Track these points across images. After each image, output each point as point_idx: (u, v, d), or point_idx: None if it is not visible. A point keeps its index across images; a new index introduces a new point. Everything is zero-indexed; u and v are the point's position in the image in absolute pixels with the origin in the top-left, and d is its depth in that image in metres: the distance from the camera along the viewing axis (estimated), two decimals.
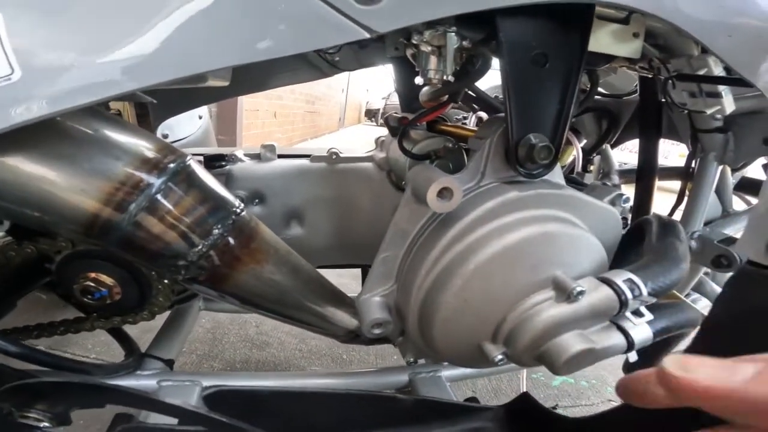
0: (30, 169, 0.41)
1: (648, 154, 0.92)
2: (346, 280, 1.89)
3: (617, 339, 0.45)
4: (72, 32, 0.36)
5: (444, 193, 0.44)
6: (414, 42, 0.52)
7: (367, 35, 0.40)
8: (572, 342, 0.44)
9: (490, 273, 0.45)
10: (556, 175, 0.52)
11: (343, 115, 11.40)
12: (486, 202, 0.45)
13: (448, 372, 0.88)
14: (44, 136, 0.42)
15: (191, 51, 0.38)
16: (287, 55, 0.40)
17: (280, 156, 0.83)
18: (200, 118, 1.22)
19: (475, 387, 1.38)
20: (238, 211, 0.51)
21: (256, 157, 0.82)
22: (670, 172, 1.05)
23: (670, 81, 0.63)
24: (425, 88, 0.69)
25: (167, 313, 0.97)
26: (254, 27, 0.38)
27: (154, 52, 0.37)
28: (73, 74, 0.36)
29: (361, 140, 8.48)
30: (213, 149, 1.04)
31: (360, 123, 14.54)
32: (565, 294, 0.44)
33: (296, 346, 1.51)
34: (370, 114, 13.79)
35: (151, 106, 0.91)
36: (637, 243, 0.55)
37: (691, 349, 0.47)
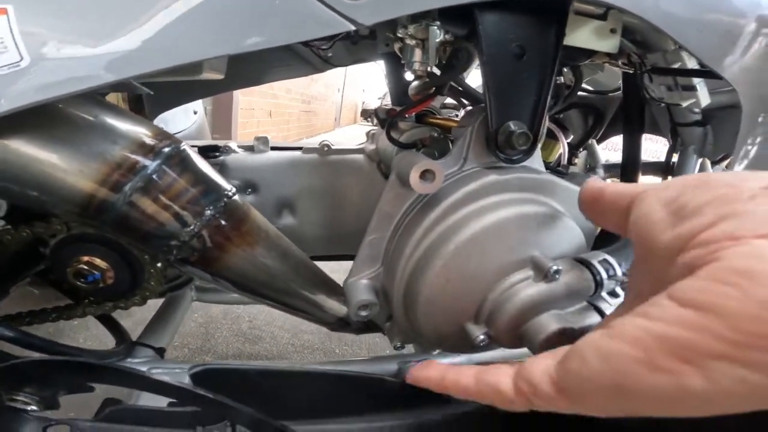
0: (31, 151, 0.43)
1: (631, 149, 0.94)
2: (340, 275, 1.91)
3: (594, 319, 0.47)
4: (75, 20, 0.39)
5: (426, 175, 0.45)
6: (399, 35, 0.55)
7: (352, 27, 0.43)
8: (550, 321, 0.45)
9: (470, 253, 0.46)
10: (536, 161, 0.54)
11: (339, 115, 11.40)
12: (467, 185, 0.47)
13: (437, 361, 0.89)
14: (46, 120, 0.44)
15: (185, 40, 0.40)
16: (278, 48, 0.42)
17: (273, 148, 0.85)
18: (195, 113, 1.24)
19: None
20: (230, 194, 0.52)
21: (250, 149, 0.84)
22: (653, 168, 1.08)
23: (647, 75, 0.65)
24: (414, 83, 0.71)
25: (159, 304, 0.98)
26: (245, 18, 0.41)
27: (152, 40, 0.39)
28: (76, 61, 0.38)
29: (357, 140, 8.47)
30: (207, 141, 1.06)
31: (356, 123, 14.52)
32: (542, 273, 0.46)
33: (289, 340, 1.52)
34: (366, 114, 13.72)
35: (146, 99, 0.92)
36: (616, 235, 0.57)
37: None
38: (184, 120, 1.19)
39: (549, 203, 0.49)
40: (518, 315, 0.47)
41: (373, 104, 12.80)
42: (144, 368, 0.78)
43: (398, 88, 0.92)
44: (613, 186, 0.34)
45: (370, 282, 0.56)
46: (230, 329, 1.55)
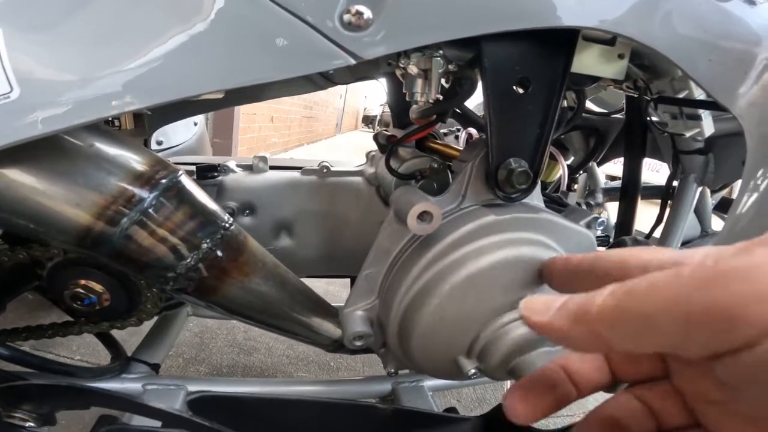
0: (25, 181, 0.42)
1: (632, 172, 0.95)
2: (335, 287, 1.90)
3: None
4: (70, 50, 0.37)
5: (424, 216, 0.45)
6: (401, 65, 0.54)
7: (353, 61, 0.42)
8: (538, 360, 0.46)
9: (464, 293, 0.47)
10: (535, 197, 0.54)
11: (340, 121, 11.42)
12: (465, 225, 0.47)
13: (431, 382, 0.89)
14: (39, 149, 0.43)
15: (184, 75, 0.39)
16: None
17: (272, 167, 0.85)
18: (195, 125, 1.24)
19: (459, 396, 1.39)
20: (227, 225, 0.52)
21: (248, 167, 0.83)
22: (652, 191, 1.08)
23: (652, 102, 0.65)
24: (415, 105, 0.71)
25: (155, 317, 0.98)
26: (244, 52, 0.40)
27: (149, 76, 0.38)
28: (71, 94, 0.36)
29: (357, 147, 8.50)
30: (206, 157, 1.06)
31: (357, 129, 14.57)
32: None
33: (284, 352, 1.51)
34: (368, 120, 13.83)
35: (147, 114, 0.92)
36: None
37: None
38: (185, 132, 1.19)
39: (546, 242, 0.49)
40: (509, 353, 0.48)
41: (375, 110, 12.86)
42: (139, 384, 0.78)
43: (399, 107, 0.92)
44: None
45: (365, 313, 0.56)
46: (225, 339, 1.54)
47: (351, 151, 7.92)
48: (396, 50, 0.43)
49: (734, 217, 0.54)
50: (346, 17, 0.39)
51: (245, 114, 4.40)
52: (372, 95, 13.93)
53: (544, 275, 0.35)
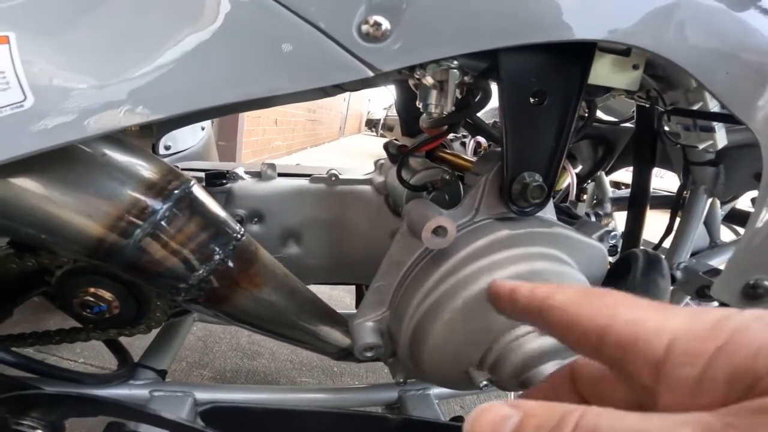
0: (35, 191, 0.42)
1: (641, 182, 0.94)
2: (339, 292, 1.90)
3: None
4: (84, 61, 0.36)
5: (438, 231, 0.45)
6: (417, 76, 0.54)
7: (371, 73, 0.41)
8: (550, 371, 0.45)
9: (478, 308, 0.46)
10: (548, 210, 0.54)
11: (344, 124, 11.44)
12: (478, 239, 0.47)
13: (437, 390, 0.89)
14: (50, 158, 0.41)
15: (198, 86, 0.38)
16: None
17: (281, 174, 0.84)
18: (203, 129, 1.23)
19: (463, 403, 1.39)
20: (239, 236, 0.52)
21: (257, 174, 0.83)
22: (661, 201, 1.07)
23: (665, 114, 0.64)
24: (425, 114, 0.70)
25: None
26: (259, 63, 0.39)
27: (162, 87, 0.37)
28: (85, 105, 0.36)
29: (361, 150, 8.50)
30: (214, 164, 1.05)
31: (360, 132, 14.58)
32: None
33: (287, 357, 1.51)
34: (371, 124, 13.85)
35: None
36: (624, 276, 0.57)
37: None
38: (192, 137, 1.18)
39: (559, 256, 0.49)
40: (522, 365, 0.48)
41: (378, 114, 12.87)
42: (146, 391, 0.78)
43: (409, 115, 0.91)
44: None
45: (375, 324, 0.56)
46: (229, 344, 1.54)
47: (354, 154, 7.93)
48: (413, 63, 0.43)
49: (752, 231, 0.53)
50: (365, 28, 0.39)
51: (249, 117, 4.41)
52: (375, 99, 13.94)
53: (488, 298, 0.30)
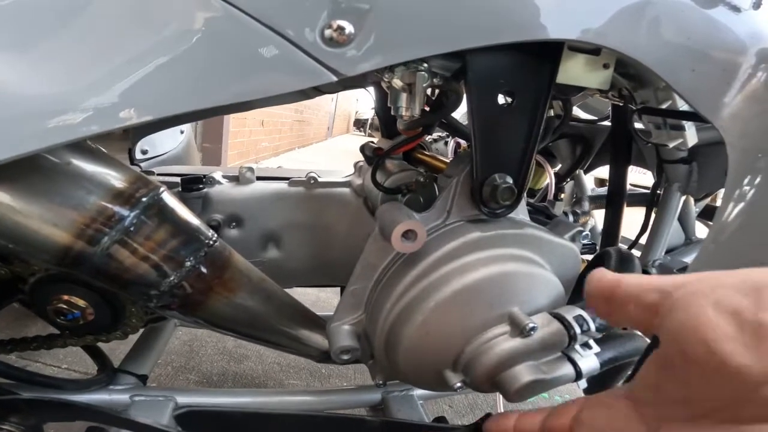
0: (1, 200, 0.41)
1: (618, 180, 0.95)
2: (327, 294, 1.89)
3: (566, 369, 0.48)
4: (50, 71, 0.36)
5: (408, 234, 0.45)
6: (385, 79, 0.54)
7: (334, 78, 0.41)
8: (523, 373, 0.46)
9: (449, 310, 0.47)
10: (520, 211, 0.54)
11: (332, 125, 11.41)
12: (449, 242, 0.47)
13: (420, 391, 0.89)
14: (15, 167, 0.40)
15: (166, 93, 0.38)
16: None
17: (259, 178, 0.84)
18: (182, 133, 1.22)
19: (451, 402, 1.39)
20: (211, 242, 0.52)
21: (235, 178, 0.83)
22: (638, 198, 1.08)
23: (636, 113, 0.65)
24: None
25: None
26: (226, 70, 0.39)
27: (126, 96, 0.37)
28: (45, 114, 0.36)
29: (349, 151, 8.49)
30: (192, 168, 1.04)
31: (348, 132, 14.56)
32: (518, 329, 0.46)
33: (275, 359, 1.50)
34: (359, 124, 13.84)
35: None
36: None
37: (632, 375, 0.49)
38: (171, 141, 1.17)
39: (530, 257, 0.50)
40: (494, 366, 0.48)
41: (366, 114, 12.86)
42: (126, 396, 0.77)
43: (387, 116, 0.92)
44: (632, 279, 0.29)
45: (352, 327, 0.56)
46: (215, 347, 1.53)
47: (342, 154, 7.91)
48: (379, 66, 0.43)
49: (719, 225, 0.54)
50: (328, 32, 0.39)
51: (235, 119, 4.38)
52: (363, 99, 13.92)
53: (588, 298, 0.32)
